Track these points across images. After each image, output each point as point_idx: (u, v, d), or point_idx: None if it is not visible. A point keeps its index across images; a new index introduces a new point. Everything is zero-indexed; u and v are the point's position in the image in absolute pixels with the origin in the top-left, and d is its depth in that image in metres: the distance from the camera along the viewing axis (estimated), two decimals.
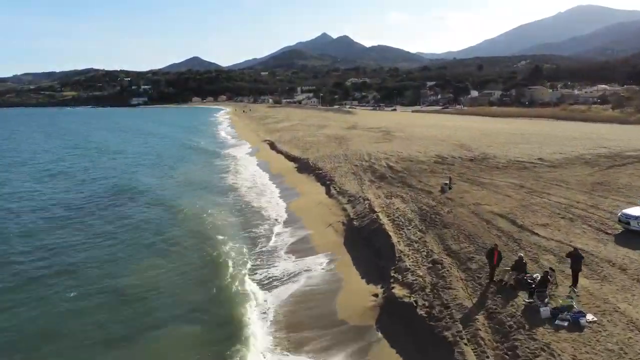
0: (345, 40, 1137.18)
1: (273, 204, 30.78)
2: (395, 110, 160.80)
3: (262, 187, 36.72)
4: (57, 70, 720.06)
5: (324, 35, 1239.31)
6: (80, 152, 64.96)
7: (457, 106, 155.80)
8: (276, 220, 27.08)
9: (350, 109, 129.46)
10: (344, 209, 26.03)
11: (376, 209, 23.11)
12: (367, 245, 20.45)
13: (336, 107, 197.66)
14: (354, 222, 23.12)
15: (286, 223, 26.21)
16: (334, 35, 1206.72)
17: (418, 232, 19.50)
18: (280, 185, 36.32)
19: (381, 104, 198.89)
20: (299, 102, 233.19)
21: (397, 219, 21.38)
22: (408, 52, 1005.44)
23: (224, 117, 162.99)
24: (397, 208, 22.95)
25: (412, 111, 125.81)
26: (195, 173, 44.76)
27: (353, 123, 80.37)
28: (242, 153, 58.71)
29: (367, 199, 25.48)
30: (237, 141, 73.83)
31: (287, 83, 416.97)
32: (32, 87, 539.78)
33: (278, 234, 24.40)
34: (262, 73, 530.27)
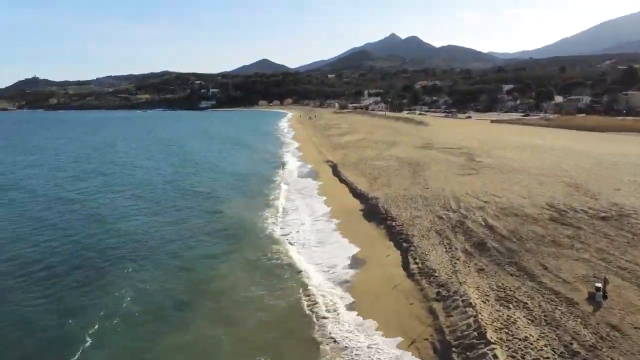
0: (414, 41, 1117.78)
1: (329, 280, 22.73)
2: (469, 117, 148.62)
3: (318, 239, 28.87)
4: (136, 73, 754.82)
5: (393, 35, 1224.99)
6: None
7: (542, 114, 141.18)
8: (331, 314, 19.04)
9: (421, 118, 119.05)
10: (432, 311, 17.62)
11: (488, 334, 14.47)
12: None
13: (405, 113, 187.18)
14: (452, 353, 14.68)
15: (344, 326, 18.05)
16: (403, 36, 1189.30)
17: None
18: (340, 241, 28.28)
19: (453, 110, 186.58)
20: (366, 107, 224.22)
21: None
22: (479, 52, 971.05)
23: (287, 123, 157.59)
24: (525, 338, 14.15)
25: (491, 121, 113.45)
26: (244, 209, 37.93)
27: (427, 139, 70.96)
28: (300, 178, 51.38)
29: (469, 302, 16.85)
30: (297, 159, 66.66)
31: (353, 86, 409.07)
32: (110, 90, 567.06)
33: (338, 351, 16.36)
34: (329, 75, 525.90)
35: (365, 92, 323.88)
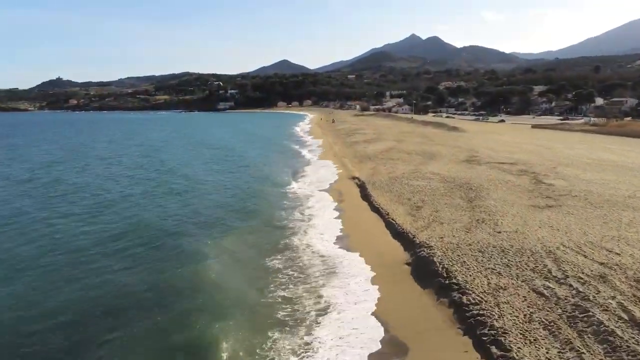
0: (435, 41, 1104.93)
1: None
2: (503, 121, 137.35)
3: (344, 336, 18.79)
4: (158, 74, 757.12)
5: (413, 36, 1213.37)
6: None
7: (583, 118, 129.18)
8: None
9: (453, 123, 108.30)
10: None
11: None
12: None
13: (431, 115, 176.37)
14: None
15: None
16: (423, 36, 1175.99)
17: None
18: (376, 332, 18.16)
19: (482, 113, 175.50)
20: (389, 109, 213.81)
21: None
22: (502, 52, 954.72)
23: (305, 127, 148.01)
24: None
25: (532, 126, 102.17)
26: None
27: (469, 150, 60.67)
28: (322, 206, 41.40)
29: None
30: (314, 175, 56.76)
31: (375, 87, 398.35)
32: (129, 90, 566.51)
33: None
34: (349, 76, 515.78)
35: (387, 94, 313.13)
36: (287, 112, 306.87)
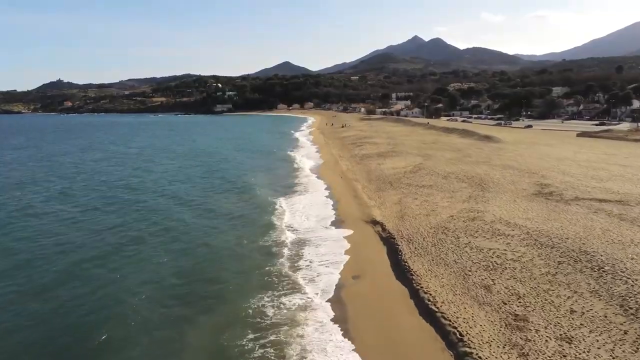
0: (437, 43, 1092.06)
1: None
2: (530, 127, 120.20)
3: None
4: (160, 76, 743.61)
5: (416, 38, 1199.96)
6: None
7: (623, 122, 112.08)
8: None
9: (477, 129, 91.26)
10: None
11: None
12: None
13: (444, 119, 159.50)
14: None
15: None
16: (426, 38, 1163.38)
17: None
18: None
19: (501, 116, 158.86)
20: (397, 112, 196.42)
21: None
22: (506, 54, 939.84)
23: (305, 133, 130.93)
24: None
25: (578, 134, 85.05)
26: None
27: (527, 171, 43.93)
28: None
29: None
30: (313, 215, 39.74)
31: (379, 88, 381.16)
32: (126, 92, 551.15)
33: None
34: (352, 78, 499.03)
35: (393, 95, 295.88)
36: (287, 115, 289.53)
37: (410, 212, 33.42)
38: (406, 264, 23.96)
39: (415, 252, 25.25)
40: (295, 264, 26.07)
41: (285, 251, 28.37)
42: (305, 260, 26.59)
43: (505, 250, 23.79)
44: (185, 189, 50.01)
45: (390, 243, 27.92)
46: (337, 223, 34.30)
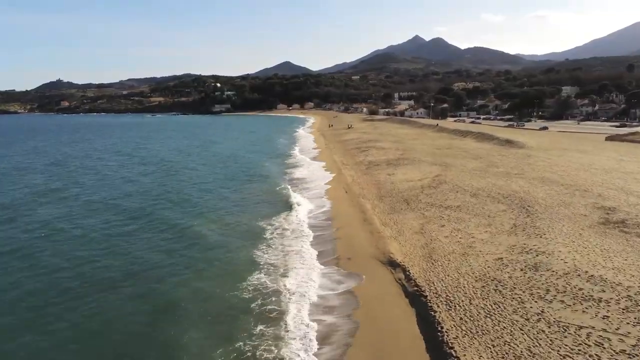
0: (438, 42, 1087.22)
1: None
2: (546, 129, 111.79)
3: None
4: (160, 75, 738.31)
5: (417, 37, 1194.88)
6: None
7: None
8: None
9: (493, 132, 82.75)
10: None
11: None
12: None
13: (452, 120, 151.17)
14: None
15: None
16: (427, 38, 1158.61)
17: None
18: None
19: (511, 117, 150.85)
20: (401, 113, 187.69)
21: None
22: (507, 54, 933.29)
23: (306, 137, 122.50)
24: None
25: (607, 138, 76.50)
26: None
27: (573, 185, 35.49)
28: None
29: None
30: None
31: (381, 88, 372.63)
32: (124, 92, 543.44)
33: None
34: (353, 77, 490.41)
35: (396, 95, 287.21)
36: (287, 115, 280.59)
37: (440, 248, 25.05)
38: (452, 350, 15.54)
39: (463, 326, 16.84)
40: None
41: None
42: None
43: (604, 330, 15.38)
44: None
45: (419, 304, 19.52)
46: (342, 262, 25.92)
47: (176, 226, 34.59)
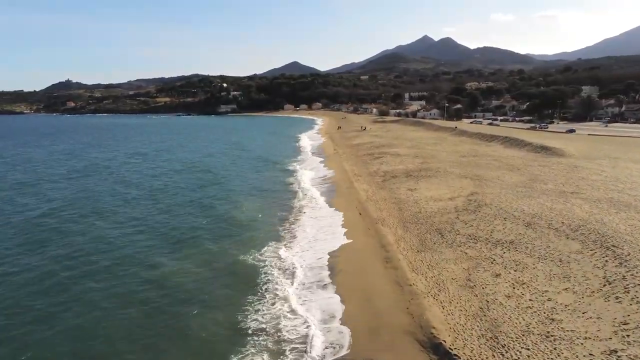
0: (447, 42, 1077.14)
1: None
2: (573, 131, 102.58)
3: None
4: (166, 76, 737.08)
5: (425, 37, 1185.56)
6: None
7: None
8: None
9: (518, 135, 73.81)
10: None
11: None
12: None
13: (468, 122, 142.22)
14: None
15: None
16: (435, 38, 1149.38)
17: None
18: None
19: (530, 118, 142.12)
20: (413, 114, 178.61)
21: None
22: (517, 54, 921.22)
23: (314, 139, 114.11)
24: None
25: None
26: None
27: None
28: None
29: None
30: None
31: (390, 88, 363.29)
32: (130, 92, 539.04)
33: None
34: (362, 77, 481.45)
35: (406, 95, 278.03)
36: (293, 116, 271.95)
37: (506, 321, 16.68)
38: None
39: None
40: None
41: None
42: None
43: None
44: None
45: None
46: (361, 347, 17.55)
47: None
